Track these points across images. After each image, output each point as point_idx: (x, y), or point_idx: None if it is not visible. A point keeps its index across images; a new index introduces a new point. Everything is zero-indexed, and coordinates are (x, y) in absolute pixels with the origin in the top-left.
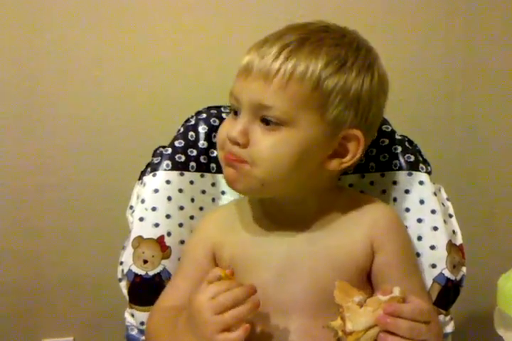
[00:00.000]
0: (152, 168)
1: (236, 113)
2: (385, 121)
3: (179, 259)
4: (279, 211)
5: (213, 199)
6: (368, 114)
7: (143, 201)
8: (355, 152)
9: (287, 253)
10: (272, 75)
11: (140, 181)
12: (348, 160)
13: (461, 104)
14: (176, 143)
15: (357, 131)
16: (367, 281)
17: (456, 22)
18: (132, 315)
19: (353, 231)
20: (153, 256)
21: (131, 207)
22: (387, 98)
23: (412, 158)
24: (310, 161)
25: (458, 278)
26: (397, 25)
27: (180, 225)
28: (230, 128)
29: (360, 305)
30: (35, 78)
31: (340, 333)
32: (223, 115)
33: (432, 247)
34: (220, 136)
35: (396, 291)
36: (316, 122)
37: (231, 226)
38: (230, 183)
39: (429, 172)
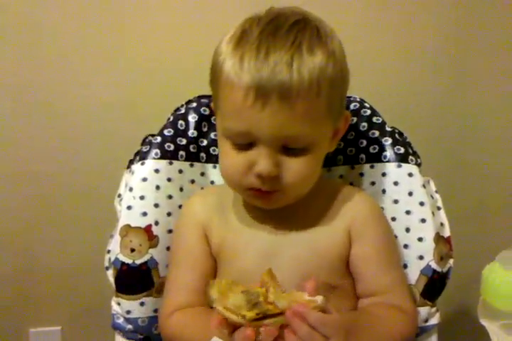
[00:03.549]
0: (141, 156)
1: (240, 145)
2: (376, 113)
3: (167, 249)
4: None
5: (202, 189)
6: (346, 89)
7: (131, 189)
8: (344, 129)
9: (272, 240)
10: (295, 94)
11: (129, 170)
12: (339, 138)
13: (454, 96)
14: (165, 132)
15: (346, 111)
16: (347, 271)
17: (452, 12)
18: (118, 304)
19: (334, 221)
20: (140, 245)
21: (119, 196)
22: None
23: (402, 150)
24: (323, 159)
25: (445, 270)
26: (389, 15)
27: (169, 214)
28: (247, 164)
29: (282, 291)
30: (36, 71)
31: (261, 298)
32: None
33: (420, 239)
34: (234, 171)
35: (319, 300)
36: (328, 127)
37: (219, 210)
38: (265, 207)
39: (418, 165)
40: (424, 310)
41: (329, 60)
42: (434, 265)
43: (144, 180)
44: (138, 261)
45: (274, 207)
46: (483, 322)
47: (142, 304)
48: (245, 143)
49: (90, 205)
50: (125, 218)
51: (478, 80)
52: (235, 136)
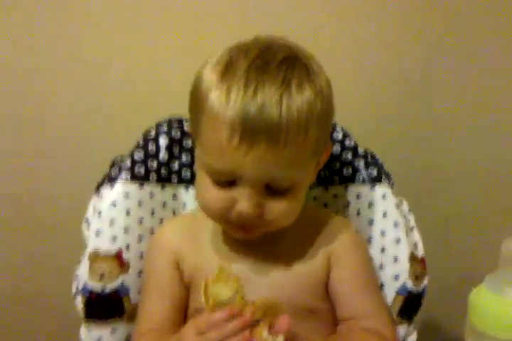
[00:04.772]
0: (110, 179)
1: (221, 182)
2: (348, 136)
3: (139, 274)
4: None
5: (174, 212)
6: (331, 124)
7: (99, 214)
8: (325, 160)
9: (247, 269)
10: (283, 139)
11: (97, 193)
12: (320, 168)
13: (422, 118)
14: (136, 155)
15: (329, 144)
16: (328, 295)
17: (415, 25)
18: (88, 332)
19: (313, 248)
20: (110, 272)
21: (87, 220)
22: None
23: (375, 172)
24: (305, 193)
25: (420, 289)
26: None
27: (140, 239)
28: (228, 201)
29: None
30: (27, 74)
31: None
32: (185, 127)
33: (395, 259)
34: (215, 207)
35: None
36: (312, 164)
37: (192, 236)
38: (243, 239)
39: (391, 186)
40: (402, 329)
41: (317, 97)
42: (409, 285)
43: (114, 204)
44: (108, 289)
45: (253, 238)
46: None
47: (113, 331)
48: (227, 181)
49: (51, 228)
50: (94, 243)
51: (451, 100)
52: (216, 173)
